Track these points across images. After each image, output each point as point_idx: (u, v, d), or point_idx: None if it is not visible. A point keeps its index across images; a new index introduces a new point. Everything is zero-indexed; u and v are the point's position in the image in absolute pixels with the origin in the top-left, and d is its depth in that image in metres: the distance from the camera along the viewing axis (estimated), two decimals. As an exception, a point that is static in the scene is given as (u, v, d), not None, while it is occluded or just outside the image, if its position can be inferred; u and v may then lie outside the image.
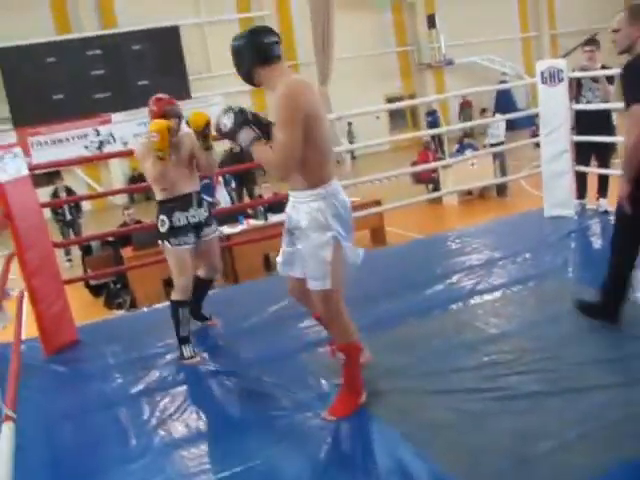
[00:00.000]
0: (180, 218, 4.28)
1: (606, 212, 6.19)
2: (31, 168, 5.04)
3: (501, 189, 12.48)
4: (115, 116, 21.47)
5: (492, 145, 12.48)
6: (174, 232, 4.27)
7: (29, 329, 4.73)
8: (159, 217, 4.31)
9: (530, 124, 14.78)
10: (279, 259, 3.46)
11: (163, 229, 4.28)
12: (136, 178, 19.78)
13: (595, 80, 6.36)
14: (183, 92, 20.22)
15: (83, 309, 7.83)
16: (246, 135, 3.02)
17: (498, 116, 13.30)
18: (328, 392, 3.52)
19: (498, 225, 7.16)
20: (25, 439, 2.84)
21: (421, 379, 3.55)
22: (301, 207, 3.17)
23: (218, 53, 20.87)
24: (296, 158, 2.97)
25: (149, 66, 21.62)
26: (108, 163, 21.55)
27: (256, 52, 3.06)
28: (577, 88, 6.43)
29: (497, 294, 4.71)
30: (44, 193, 11.12)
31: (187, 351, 4.31)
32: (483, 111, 15.96)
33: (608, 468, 2.62)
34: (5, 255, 4.73)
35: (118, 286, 8.83)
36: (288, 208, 3.31)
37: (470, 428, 3.03)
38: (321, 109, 3.09)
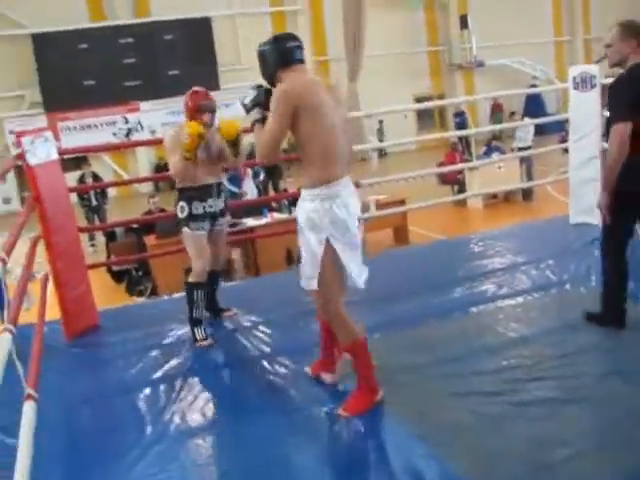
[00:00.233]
0: (198, 207, 4.37)
1: None
2: (60, 152, 5.08)
3: (527, 194, 12.39)
4: (144, 104, 21.62)
5: (520, 149, 12.41)
6: (192, 218, 4.36)
7: (52, 312, 4.77)
8: (179, 203, 4.40)
9: (559, 129, 14.67)
10: None
11: (182, 215, 4.38)
12: (162, 167, 19.90)
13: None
14: (213, 83, 20.31)
15: (105, 294, 7.89)
16: (254, 115, 3.25)
17: (527, 120, 13.21)
18: (345, 388, 3.53)
19: (522, 230, 7.11)
20: (44, 419, 2.87)
21: (440, 380, 3.54)
22: (301, 204, 3.23)
23: (249, 45, 20.76)
24: (277, 145, 3.14)
25: (180, 56, 21.75)
26: (135, 151, 21.69)
27: (278, 56, 3.23)
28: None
29: (519, 299, 4.68)
30: (71, 178, 11.20)
31: (199, 333, 4.40)
32: (512, 114, 15.84)
33: (624, 479, 2.60)
34: (31, 237, 4.78)
35: (140, 273, 8.90)
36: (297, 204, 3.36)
37: (487, 432, 3.02)
38: (326, 107, 3.13)
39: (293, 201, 9.06)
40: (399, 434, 3.04)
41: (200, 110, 4.33)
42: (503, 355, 3.76)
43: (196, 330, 4.41)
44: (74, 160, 13.78)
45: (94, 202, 12.41)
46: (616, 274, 3.96)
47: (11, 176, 17.20)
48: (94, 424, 3.57)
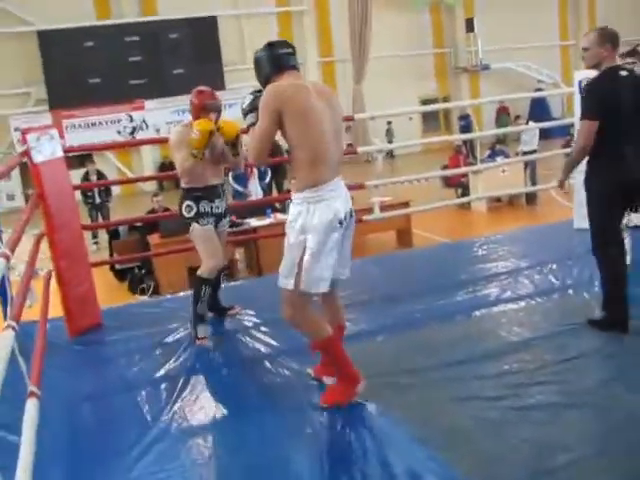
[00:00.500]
0: (205, 207, 4.39)
1: (637, 227, 6.10)
2: (65, 150, 5.09)
3: (531, 198, 12.37)
4: (149, 103, 21.64)
5: (524, 153, 12.38)
6: (200, 215, 4.37)
7: (55, 309, 4.78)
8: (185, 203, 4.39)
9: (564, 134, 14.63)
10: None
11: (190, 214, 4.38)
12: (166, 166, 19.92)
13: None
14: (218, 82, 20.32)
15: (107, 292, 7.90)
16: (249, 119, 3.32)
17: (532, 124, 13.19)
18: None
19: (526, 234, 7.10)
20: (46, 417, 2.87)
21: (442, 384, 3.54)
22: (290, 206, 3.29)
23: (254, 45, 20.79)
24: (265, 146, 3.21)
25: (185, 55, 21.78)
26: (139, 149, 21.71)
27: (271, 62, 3.31)
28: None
29: (522, 303, 4.68)
30: (75, 175, 11.23)
31: (202, 331, 4.38)
32: (517, 118, 15.83)
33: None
34: (35, 234, 4.79)
35: (143, 271, 8.91)
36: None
37: (489, 436, 3.01)
38: (316, 112, 3.15)
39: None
40: (400, 437, 3.04)
41: (206, 109, 4.34)
42: (505, 359, 3.75)
43: (198, 327, 4.39)
44: (78, 157, 13.82)
45: (97, 200, 12.41)
46: (613, 276, 4.04)
47: (15, 173, 17.22)
48: (96, 422, 3.58)
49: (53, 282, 4.82)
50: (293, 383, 3.71)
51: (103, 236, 11.32)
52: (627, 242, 4.21)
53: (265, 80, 3.32)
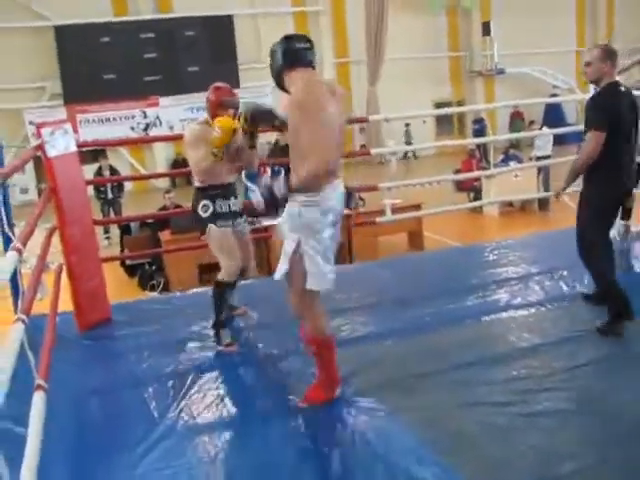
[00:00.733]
0: (222, 205, 4.27)
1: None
2: (79, 145, 5.11)
3: (543, 203, 12.31)
4: (163, 100, 21.69)
5: (538, 158, 12.32)
6: (218, 216, 4.24)
7: (65, 303, 4.79)
8: (201, 202, 4.26)
9: (579, 140, 14.51)
10: None
11: (206, 214, 4.24)
12: (179, 162, 19.95)
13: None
14: (233, 81, 20.32)
15: (117, 287, 7.92)
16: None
17: (546, 129, 13.13)
18: (355, 390, 3.52)
19: (537, 239, 7.08)
20: (53, 410, 2.88)
21: (450, 388, 3.54)
22: (288, 204, 3.23)
23: (270, 44, 20.78)
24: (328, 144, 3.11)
25: (201, 53, 21.80)
26: (152, 145, 21.77)
27: (285, 56, 3.24)
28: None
29: (532, 309, 4.66)
30: (88, 170, 11.27)
31: (226, 337, 4.27)
32: (531, 123, 15.76)
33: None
34: (47, 228, 4.80)
35: (153, 268, 8.92)
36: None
37: (494, 441, 3.00)
38: (331, 119, 3.13)
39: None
40: (406, 440, 3.04)
41: (223, 105, 4.23)
42: (514, 365, 3.75)
43: (222, 333, 4.26)
44: (92, 152, 13.84)
45: (110, 195, 12.46)
46: (607, 269, 4.25)
47: (29, 166, 17.30)
48: (103, 417, 3.60)
49: (64, 276, 4.84)
50: (301, 383, 3.69)
51: (115, 231, 11.36)
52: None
53: (277, 74, 3.28)
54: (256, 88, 20.56)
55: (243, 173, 4.59)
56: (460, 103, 25.30)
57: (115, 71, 21.01)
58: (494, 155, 13.71)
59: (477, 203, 10.00)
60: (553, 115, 23.24)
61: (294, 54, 3.24)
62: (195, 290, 5.89)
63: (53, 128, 4.59)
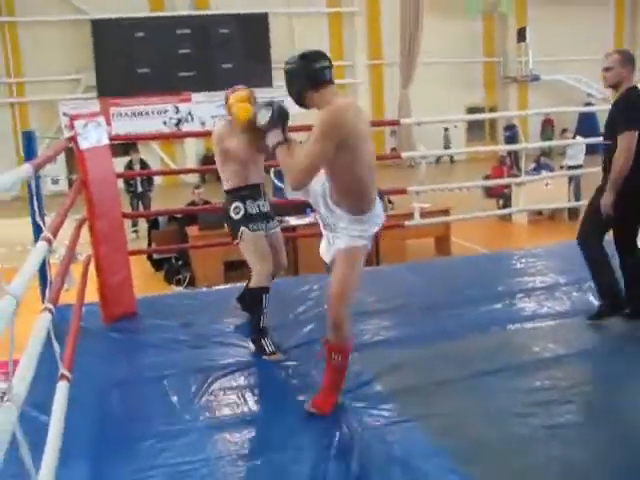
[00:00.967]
0: (252, 206, 4.20)
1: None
2: (112, 138, 5.15)
3: (573, 213, 12.16)
4: (196, 96, 21.85)
5: (570, 167, 12.19)
6: (250, 218, 4.17)
7: (91, 294, 4.84)
8: (233, 204, 4.19)
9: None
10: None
11: (238, 216, 4.16)
12: (209, 158, 20.01)
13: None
14: (266, 80, 20.41)
15: (143, 281, 7.98)
16: (274, 137, 3.22)
17: (579, 138, 12.99)
18: (375, 394, 3.51)
19: (566, 249, 6.96)
20: (76, 400, 2.90)
21: (471, 396, 3.51)
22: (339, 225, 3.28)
23: (304, 44, 20.87)
24: (315, 172, 3.11)
25: (235, 50, 21.92)
26: (183, 141, 21.94)
27: (307, 77, 3.16)
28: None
29: (558, 320, 4.60)
30: (119, 163, 11.37)
31: (269, 346, 4.13)
32: (564, 131, 15.61)
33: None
34: (77, 219, 4.85)
35: (180, 262, 8.99)
36: (322, 209, 3.38)
37: (514, 452, 2.97)
38: (364, 141, 3.12)
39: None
40: (424, 446, 3.01)
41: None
42: (537, 375, 3.70)
43: (265, 342, 4.12)
44: (123, 146, 13.98)
45: (140, 189, 12.56)
46: (600, 265, 4.47)
47: (61, 157, 17.50)
48: (124, 409, 3.61)
49: (91, 267, 4.87)
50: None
51: (143, 225, 11.45)
52: None
53: (298, 95, 3.20)
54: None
55: (272, 171, 4.56)
56: (492, 109, 25.16)
57: (149, 66, 21.22)
58: (525, 162, 13.58)
59: (506, 211, 9.92)
60: (587, 124, 22.91)
61: (317, 74, 3.15)
62: (221, 287, 5.91)
63: (86, 120, 4.63)
